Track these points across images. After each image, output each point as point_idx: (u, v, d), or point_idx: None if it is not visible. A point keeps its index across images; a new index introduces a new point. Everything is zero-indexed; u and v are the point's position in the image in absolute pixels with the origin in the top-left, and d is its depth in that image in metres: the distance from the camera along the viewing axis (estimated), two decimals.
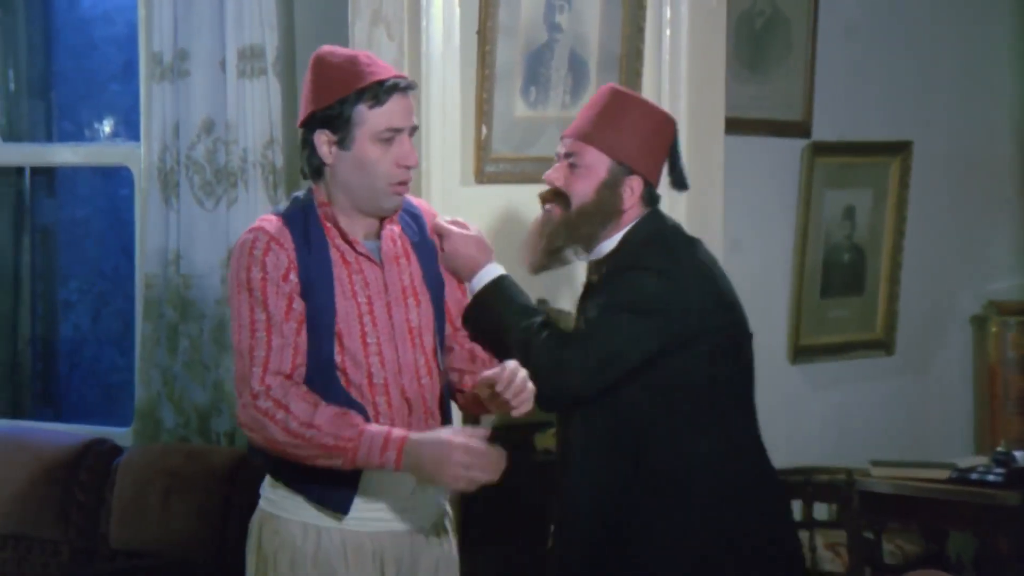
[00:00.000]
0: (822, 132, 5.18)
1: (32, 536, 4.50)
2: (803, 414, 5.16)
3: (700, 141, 4.44)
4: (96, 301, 5.12)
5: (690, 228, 4.44)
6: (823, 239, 5.24)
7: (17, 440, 4.65)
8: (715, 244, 4.48)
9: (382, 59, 3.89)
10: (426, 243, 2.97)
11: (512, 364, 2.81)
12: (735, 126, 4.70)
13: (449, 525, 2.98)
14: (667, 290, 3.00)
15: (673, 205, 4.41)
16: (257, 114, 4.30)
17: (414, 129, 2.89)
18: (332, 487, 2.83)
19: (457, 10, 3.93)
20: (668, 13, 4.38)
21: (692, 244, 3.13)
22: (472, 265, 3.03)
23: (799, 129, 5.14)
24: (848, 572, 4.56)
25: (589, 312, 3.05)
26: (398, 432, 2.77)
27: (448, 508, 3.01)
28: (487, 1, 3.96)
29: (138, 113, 4.60)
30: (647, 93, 4.37)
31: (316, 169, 2.88)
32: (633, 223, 3.10)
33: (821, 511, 4.84)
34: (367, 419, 2.81)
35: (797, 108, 5.12)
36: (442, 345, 2.96)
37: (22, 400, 5.15)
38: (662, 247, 3.06)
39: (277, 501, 2.88)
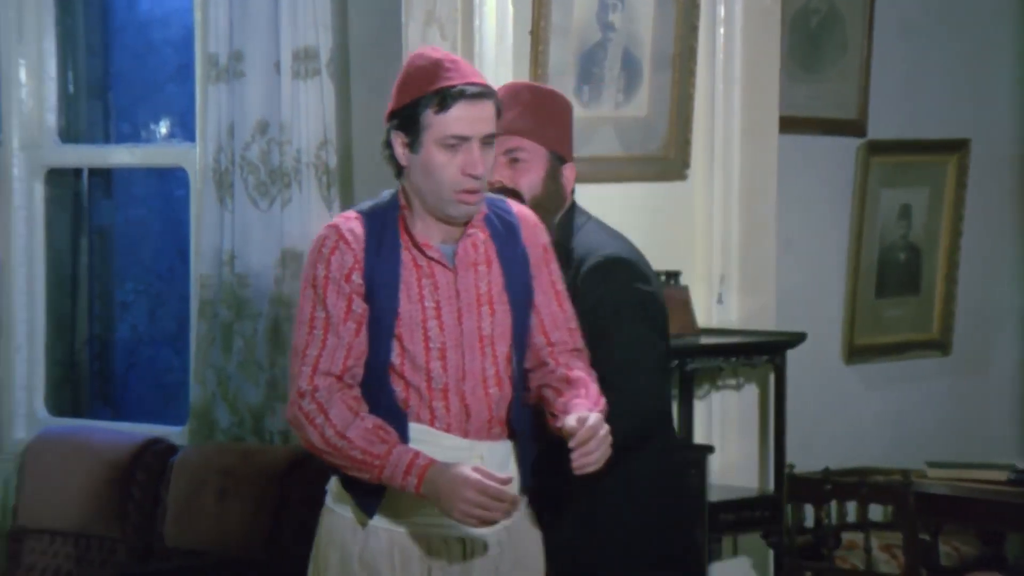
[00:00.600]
0: (877, 131, 5.14)
1: (90, 534, 4.54)
2: (858, 415, 5.13)
3: (753, 140, 4.42)
4: (151, 301, 5.16)
5: (743, 227, 4.45)
6: (878, 238, 5.20)
7: (76, 439, 4.70)
8: (768, 243, 4.48)
9: None
10: (515, 252, 2.90)
11: (594, 421, 2.76)
12: (789, 125, 4.68)
13: (525, 535, 2.92)
14: (648, 291, 3.09)
15: (726, 204, 4.41)
16: (311, 115, 4.32)
17: (489, 137, 2.82)
18: (364, 489, 2.83)
19: (510, 10, 3.93)
20: (722, 11, 4.37)
21: (630, 241, 3.19)
22: None
23: (854, 128, 5.10)
24: (904, 574, 4.52)
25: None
26: (423, 459, 2.76)
27: (526, 520, 2.93)
28: (540, 1, 3.96)
29: (193, 114, 4.63)
30: (701, 92, 4.36)
31: (398, 169, 2.88)
32: (561, 213, 3.15)
33: (876, 512, 4.80)
34: (404, 436, 2.80)
35: (852, 106, 5.08)
36: (521, 356, 2.90)
37: (81, 399, 5.21)
38: (621, 247, 3.12)
39: (335, 497, 2.90)
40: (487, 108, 2.82)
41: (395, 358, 2.82)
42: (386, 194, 2.92)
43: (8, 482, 4.84)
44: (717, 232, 4.40)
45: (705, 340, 4.26)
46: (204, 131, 4.54)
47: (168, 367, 5.09)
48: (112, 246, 5.18)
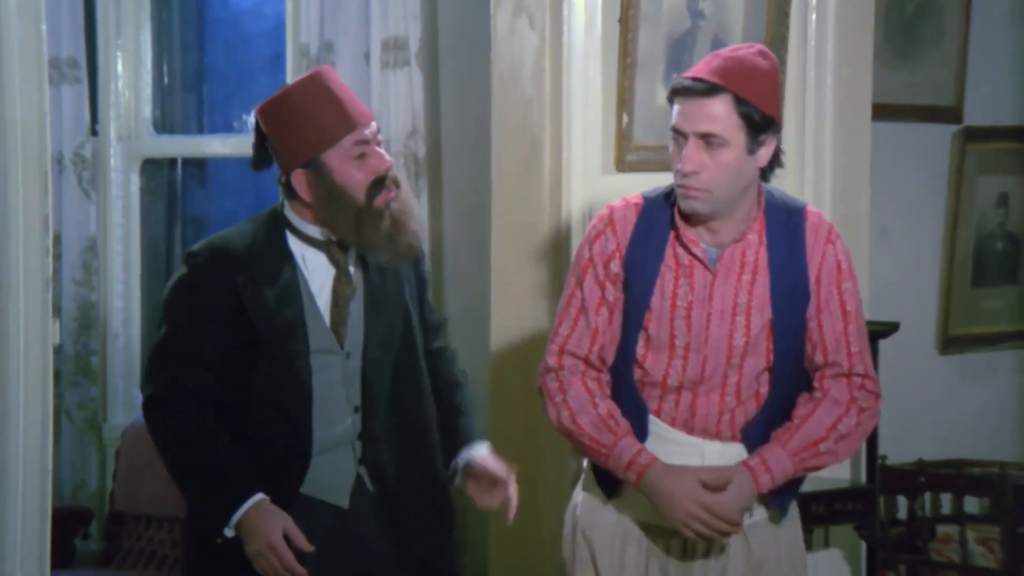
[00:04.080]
0: (974, 117, 5.06)
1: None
2: (953, 406, 5.06)
3: (846, 128, 4.37)
4: None
5: (835, 215, 4.39)
6: (975, 227, 5.12)
7: None
8: (861, 231, 4.42)
9: (526, 49, 3.93)
10: (792, 263, 2.83)
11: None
12: (884, 112, 4.63)
13: (772, 539, 2.87)
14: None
15: (818, 193, 4.36)
16: (400, 105, 4.34)
17: (707, 136, 2.76)
18: (607, 471, 2.88)
19: None
20: None
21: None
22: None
23: (950, 115, 5.03)
24: (1002, 568, 4.45)
25: None
26: (645, 457, 2.79)
27: (780, 524, 2.89)
28: None
29: None
30: (792, 80, 4.32)
31: None
32: None
33: (972, 505, 4.73)
34: (644, 425, 2.82)
35: (948, 93, 5.01)
36: (785, 371, 2.83)
37: None
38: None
39: (586, 471, 2.96)
40: (705, 105, 2.75)
41: (640, 349, 2.83)
42: None
43: (106, 468, 4.92)
44: None
45: None
46: None
47: None
48: (205, 235, 5.23)
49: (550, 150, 3.94)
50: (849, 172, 4.39)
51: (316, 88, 2.91)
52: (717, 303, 2.80)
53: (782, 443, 2.80)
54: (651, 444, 2.83)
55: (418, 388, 2.99)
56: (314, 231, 2.95)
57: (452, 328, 4.36)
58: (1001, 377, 5.19)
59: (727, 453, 2.84)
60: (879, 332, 4.32)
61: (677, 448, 2.83)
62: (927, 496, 4.64)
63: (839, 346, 2.84)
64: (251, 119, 5.15)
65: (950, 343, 5.10)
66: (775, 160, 2.84)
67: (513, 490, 2.90)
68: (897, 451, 4.56)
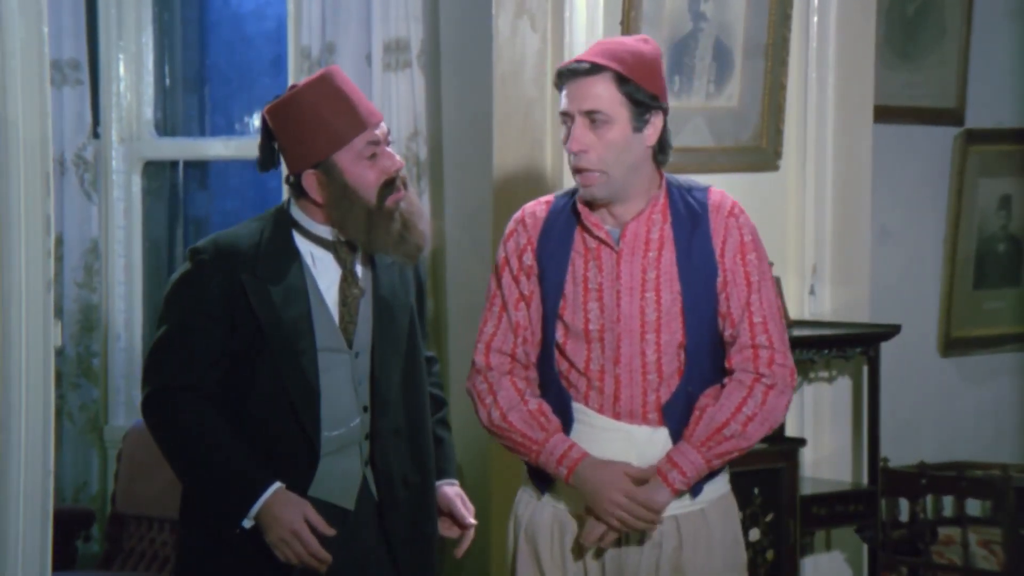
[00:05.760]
0: (976, 119, 5.06)
1: None
2: (955, 408, 5.06)
3: (848, 130, 4.38)
4: None
5: (836, 218, 4.40)
6: (977, 229, 5.12)
7: None
8: (862, 234, 4.42)
9: (527, 50, 3.93)
10: (696, 240, 2.87)
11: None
12: (885, 114, 4.63)
13: (704, 526, 2.89)
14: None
15: (819, 195, 4.36)
16: (402, 107, 4.34)
17: (591, 113, 2.81)
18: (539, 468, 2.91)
19: (601, 0, 3.92)
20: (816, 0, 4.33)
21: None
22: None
23: (952, 117, 5.03)
24: (1004, 571, 4.45)
25: None
26: (576, 452, 2.84)
27: (713, 510, 2.90)
28: None
29: None
30: (794, 81, 4.32)
31: None
32: None
33: (973, 507, 4.73)
34: (569, 415, 2.87)
35: (950, 95, 5.01)
36: (698, 346, 2.85)
37: None
38: None
39: (524, 472, 2.99)
40: (589, 84, 2.82)
41: (560, 338, 2.89)
42: None
43: (107, 469, 4.93)
44: (810, 223, 4.36)
45: (797, 332, 4.22)
46: None
47: None
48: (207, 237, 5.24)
49: (551, 151, 3.95)
50: (850, 174, 4.39)
51: (327, 88, 2.91)
52: (625, 280, 2.85)
53: (687, 437, 2.85)
54: (578, 432, 2.88)
55: (422, 390, 3.00)
56: (323, 231, 2.95)
57: (452, 328, 4.39)
58: (1002, 379, 5.19)
59: (655, 439, 2.87)
60: (880, 334, 4.32)
61: (603, 434, 2.86)
62: (929, 498, 4.64)
63: (742, 316, 2.87)
64: (253, 121, 5.20)
65: (951, 345, 5.10)
66: (664, 141, 2.88)
67: (471, 532, 3.02)
68: (898, 453, 4.55)
